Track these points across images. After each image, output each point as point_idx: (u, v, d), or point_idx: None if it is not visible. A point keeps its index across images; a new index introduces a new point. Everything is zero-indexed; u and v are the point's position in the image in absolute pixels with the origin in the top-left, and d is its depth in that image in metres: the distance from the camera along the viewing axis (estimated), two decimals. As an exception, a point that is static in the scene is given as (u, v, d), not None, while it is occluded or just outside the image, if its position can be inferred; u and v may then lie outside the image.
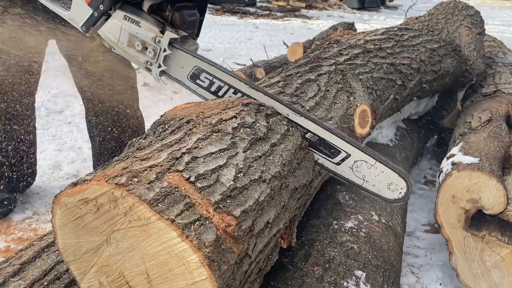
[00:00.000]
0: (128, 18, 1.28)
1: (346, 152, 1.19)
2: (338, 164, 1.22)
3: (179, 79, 1.31)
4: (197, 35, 1.39)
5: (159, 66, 1.28)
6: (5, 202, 2.11)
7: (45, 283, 1.02)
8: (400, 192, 1.18)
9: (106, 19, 1.32)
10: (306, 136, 1.23)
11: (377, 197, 1.23)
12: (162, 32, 1.26)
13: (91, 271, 0.85)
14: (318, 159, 1.25)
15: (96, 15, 1.31)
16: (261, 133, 1.07)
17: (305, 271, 1.25)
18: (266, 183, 0.97)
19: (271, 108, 1.20)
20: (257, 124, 1.09)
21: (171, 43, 1.27)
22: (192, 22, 1.32)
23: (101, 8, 1.29)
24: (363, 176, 1.20)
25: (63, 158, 2.74)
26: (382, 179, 1.19)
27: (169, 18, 1.28)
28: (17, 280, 1.03)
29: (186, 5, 1.30)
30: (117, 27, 1.30)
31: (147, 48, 1.28)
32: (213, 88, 1.28)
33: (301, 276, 1.23)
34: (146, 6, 1.26)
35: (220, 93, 1.27)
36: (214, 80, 1.27)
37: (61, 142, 2.96)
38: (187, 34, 1.31)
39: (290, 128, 1.19)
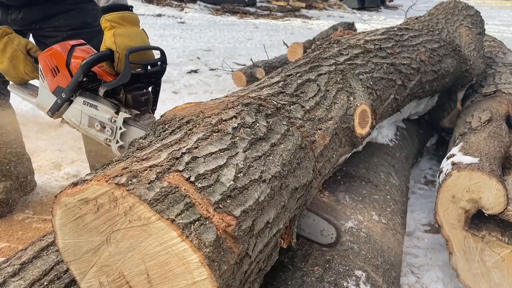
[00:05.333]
0: (87, 103, 1.45)
1: None
2: None
3: None
4: (154, 109, 1.53)
5: (117, 142, 1.42)
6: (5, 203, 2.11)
7: (45, 283, 1.02)
8: (332, 237, 1.29)
9: (69, 105, 1.50)
10: None
11: (313, 243, 1.33)
12: (117, 113, 1.41)
13: (91, 271, 0.85)
14: None
15: (59, 102, 1.50)
16: (261, 133, 1.07)
17: (305, 271, 1.25)
18: (266, 183, 0.97)
19: (271, 108, 1.20)
20: (257, 124, 1.09)
21: (126, 121, 1.40)
22: (144, 101, 1.46)
23: (63, 96, 1.48)
24: (299, 225, 1.31)
25: (63, 158, 2.74)
26: (315, 227, 1.30)
27: (122, 100, 1.43)
28: (17, 280, 1.03)
29: (138, 86, 1.44)
30: (78, 111, 1.48)
31: (105, 127, 1.43)
32: None
33: (301, 276, 1.23)
34: (101, 91, 1.41)
35: None
36: None
37: (61, 142, 2.95)
38: (139, 112, 1.44)
39: (290, 128, 1.19)
